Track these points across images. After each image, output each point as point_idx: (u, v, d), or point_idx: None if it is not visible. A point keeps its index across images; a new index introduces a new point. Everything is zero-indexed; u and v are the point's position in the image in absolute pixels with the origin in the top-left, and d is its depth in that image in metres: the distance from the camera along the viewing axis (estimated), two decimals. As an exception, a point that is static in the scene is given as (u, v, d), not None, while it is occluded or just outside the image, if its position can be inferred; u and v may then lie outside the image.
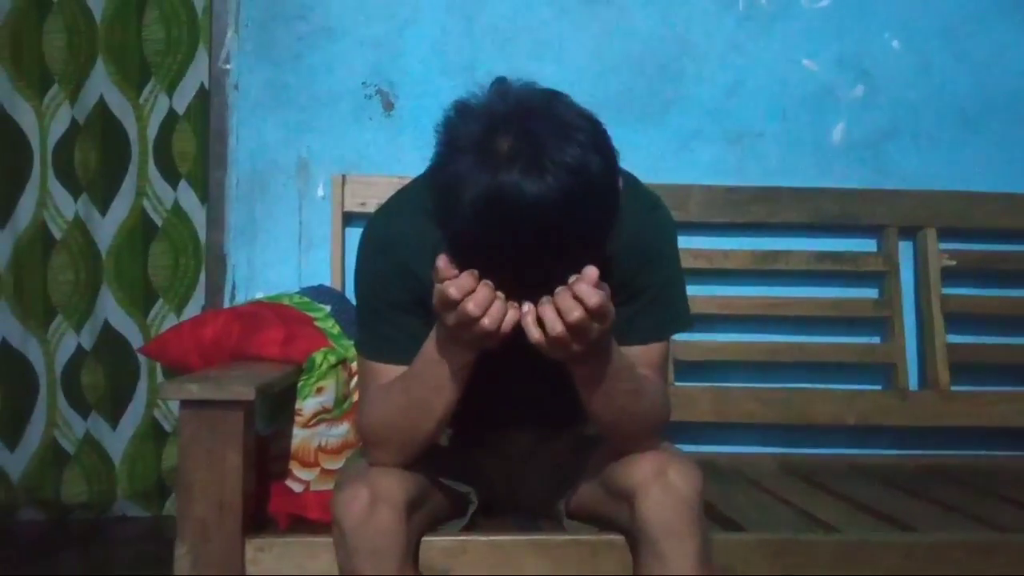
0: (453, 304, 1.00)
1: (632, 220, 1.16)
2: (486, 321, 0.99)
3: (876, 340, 2.02)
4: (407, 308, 1.17)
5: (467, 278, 1.00)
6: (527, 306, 1.01)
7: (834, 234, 2.03)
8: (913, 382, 1.99)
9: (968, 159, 2.09)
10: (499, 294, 1.00)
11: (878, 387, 2.00)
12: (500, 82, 1.03)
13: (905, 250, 2.03)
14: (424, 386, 1.13)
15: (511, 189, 0.95)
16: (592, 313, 0.98)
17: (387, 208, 1.24)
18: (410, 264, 1.16)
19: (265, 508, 1.36)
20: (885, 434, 1.99)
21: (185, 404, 1.23)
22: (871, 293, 2.03)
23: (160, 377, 2.35)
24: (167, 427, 2.36)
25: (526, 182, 0.95)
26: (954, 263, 2.00)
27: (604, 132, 1.02)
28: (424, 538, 1.23)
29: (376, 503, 1.10)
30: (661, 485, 1.10)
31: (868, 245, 2.04)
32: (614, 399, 1.13)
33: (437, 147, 1.03)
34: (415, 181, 1.25)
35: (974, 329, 2.04)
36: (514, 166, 0.95)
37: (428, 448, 1.20)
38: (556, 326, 0.99)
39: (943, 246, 2.01)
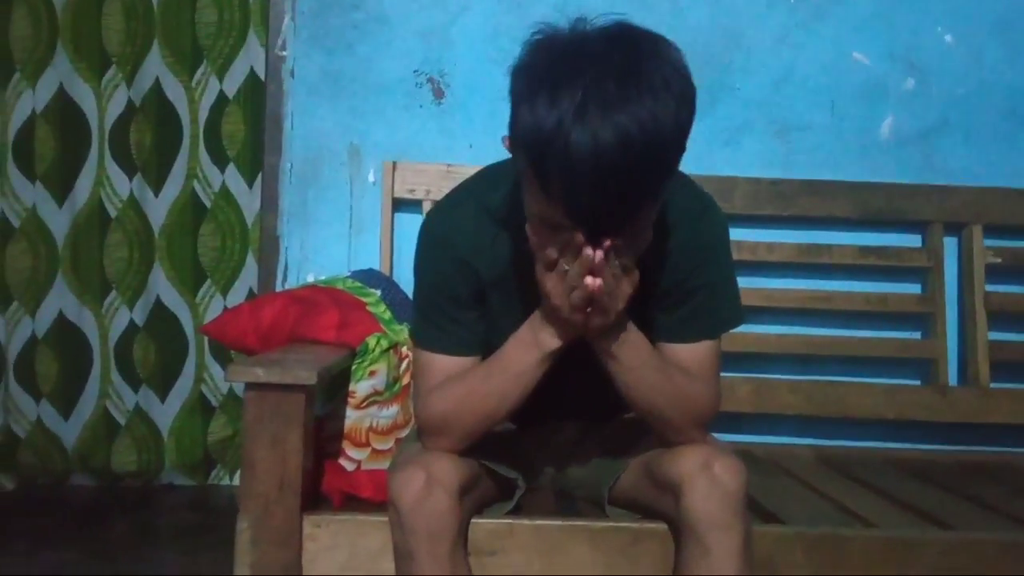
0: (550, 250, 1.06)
1: (686, 220, 1.20)
2: (588, 251, 1.03)
3: (917, 336, 2.04)
4: (465, 302, 1.22)
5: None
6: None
7: (879, 229, 2.04)
8: (953, 378, 2.00)
9: (1019, 155, 2.08)
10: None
11: (917, 382, 2.02)
12: (580, 19, 1.05)
13: (950, 246, 2.04)
14: (508, 371, 1.18)
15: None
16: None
17: (446, 203, 1.28)
18: (469, 259, 1.20)
19: (319, 485, 1.42)
20: (923, 429, 2.01)
21: (250, 386, 1.28)
22: (914, 288, 2.05)
23: (208, 354, 2.43)
24: (214, 402, 2.45)
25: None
26: (999, 260, 2.01)
27: (683, 61, 1.03)
28: (473, 520, 1.28)
29: (432, 486, 1.15)
30: (707, 478, 1.14)
31: (913, 240, 2.05)
32: (644, 377, 1.18)
33: (520, 76, 1.03)
34: (474, 176, 1.28)
35: (1017, 327, 2.05)
36: (597, 98, 0.96)
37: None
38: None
39: (989, 243, 2.02)
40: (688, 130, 1.02)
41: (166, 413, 2.43)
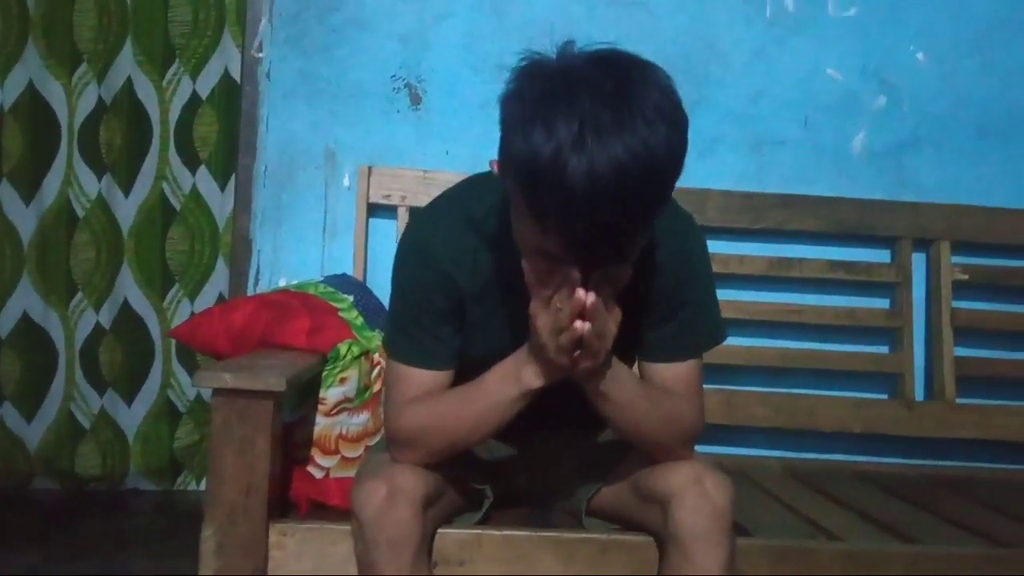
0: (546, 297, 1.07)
1: (669, 238, 1.20)
2: (580, 292, 1.04)
3: (885, 350, 2.07)
4: (442, 315, 1.21)
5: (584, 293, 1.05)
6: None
7: (849, 243, 2.07)
8: (920, 393, 2.04)
9: (990, 172, 2.13)
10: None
11: (885, 396, 2.05)
12: (568, 44, 1.03)
13: (919, 262, 2.07)
14: (486, 400, 1.18)
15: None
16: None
17: (428, 212, 1.26)
18: (449, 270, 1.20)
19: (287, 492, 1.42)
20: (890, 443, 2.04)
21: (218, 392, 1.28)
22: (883, 303, 2.08)
23: (175, 360, 2.41)
24: (181, 408, 2.43)
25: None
26: (966, 277, 2.05)
27: (673, 87, 1.02)
28: (441, 530, 1.28)
29: (394, 497, 1.15)
30: (697, 493, 1.16)
31: (882, 256, 2.08)
32: (633, 408, 1.19)
33: (510, 104, 1.02)
34: (458, 186, 1.28)
35: (983, 342, 2.09)
36: (592, 127, 0.95)
37: None
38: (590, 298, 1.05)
39: (957, 259, 2.05)
40: (682, 157, 1.02)
41: (132, 417, 2.41)
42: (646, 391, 1.22)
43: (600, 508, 1.35)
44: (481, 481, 1.34)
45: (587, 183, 0.95)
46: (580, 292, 1.04)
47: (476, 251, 1.20)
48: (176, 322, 2.37)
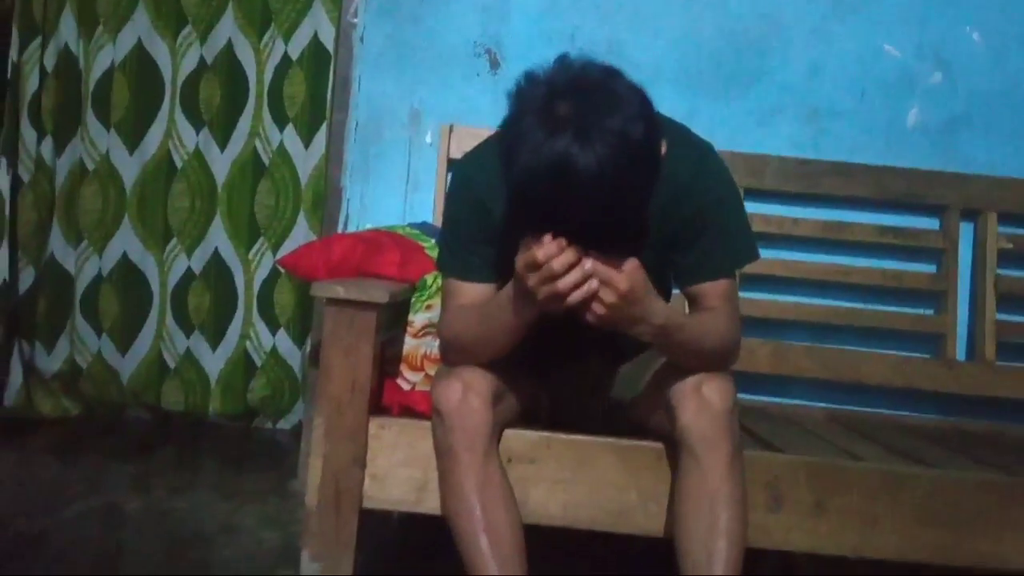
0: (536, 266, 1.26)
1: (686, 166, 1.41)
2: (560, 285, 1.25)
3: (930, 312, 2.29)
4: (481, 238, 1.47)
5: (553, 245, 1.25)
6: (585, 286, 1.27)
7: (899, 211, 2.30)
8: (961, 354, 2.26)
9: (1038, 150, 2.33)
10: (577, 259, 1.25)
11: (927, 356, 2.27)
12: (563, 57, 1.28)
13: (965, 230, 2.29)
14: (496, 322, 1.41)
15: (563, 153, 1.17)
16: (624, 296, 1.27)
17: (473, 152, 1.54)
18: (485, 201, 1.45)
19: (380, 399, 1.71)
20: (930, 400, 2.27)
21: (330, 302, 1.57)
22: (929, 268, 2.31)
23: (256, 311, 2.68)
24: (257, 361, 2.70)
25: (575, 147, 1.16)
26: (1011, 246, 2.26)
27: (650, 104, 1.26)
28: (515, 431, 1.56)
29: (468, 392, 1.43)
30: (697, 399, 1.38)
31: (931, 223, 2.30)
32: (686, 345, 1.40)
33: (508, 109, 1.27)
34: (498, 131, 1.51)
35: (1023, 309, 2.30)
36: (567, 132, 1.17)
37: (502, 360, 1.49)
38: (599, 309, 1.28)
39: (1002, 230, 2.27)
40: (641, 169, 1.22)
41: (216, 361, 2.70)
42: (700, 324, 1.41)
43: (634, 415, 1.59)
44: (536, 390, 1.60)
45: (550, 193, 1.21)
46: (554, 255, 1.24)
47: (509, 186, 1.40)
48: (259, 274, 2.68)
